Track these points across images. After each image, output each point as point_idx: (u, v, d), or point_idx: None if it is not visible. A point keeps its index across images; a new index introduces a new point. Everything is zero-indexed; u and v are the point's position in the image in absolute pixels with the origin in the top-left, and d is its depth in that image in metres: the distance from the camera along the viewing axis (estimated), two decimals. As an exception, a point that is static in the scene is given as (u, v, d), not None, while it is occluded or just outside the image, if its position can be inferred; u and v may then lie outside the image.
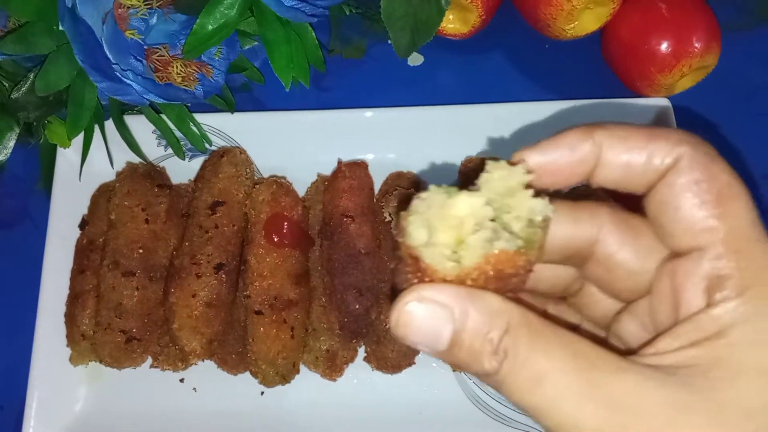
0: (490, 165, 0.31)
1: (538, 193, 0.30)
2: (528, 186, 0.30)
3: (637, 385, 0.28)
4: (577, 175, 0.32)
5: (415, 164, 0.73)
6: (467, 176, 0.68)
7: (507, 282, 0.29)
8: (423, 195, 0.30)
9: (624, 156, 0.31)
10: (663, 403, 0.27)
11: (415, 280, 0.29)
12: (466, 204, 0.29)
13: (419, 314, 0.29)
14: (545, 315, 0.31)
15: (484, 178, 0.30)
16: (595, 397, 0.27)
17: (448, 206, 0.29)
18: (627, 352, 0.30)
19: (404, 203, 0.31)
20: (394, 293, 0.30)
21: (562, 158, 0.32)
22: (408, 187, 0.69)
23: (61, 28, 0.59)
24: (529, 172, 0.31)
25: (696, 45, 0.68)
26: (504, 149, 0.71)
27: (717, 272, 0.29)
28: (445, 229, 0.29)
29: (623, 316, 0.36)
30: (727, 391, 0.27)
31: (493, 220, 0.29)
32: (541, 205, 0.30)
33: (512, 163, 0.31)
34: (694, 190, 0.30)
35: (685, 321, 0.29)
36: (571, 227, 0.34)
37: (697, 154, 0.30)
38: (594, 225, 0.34)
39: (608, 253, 0.34)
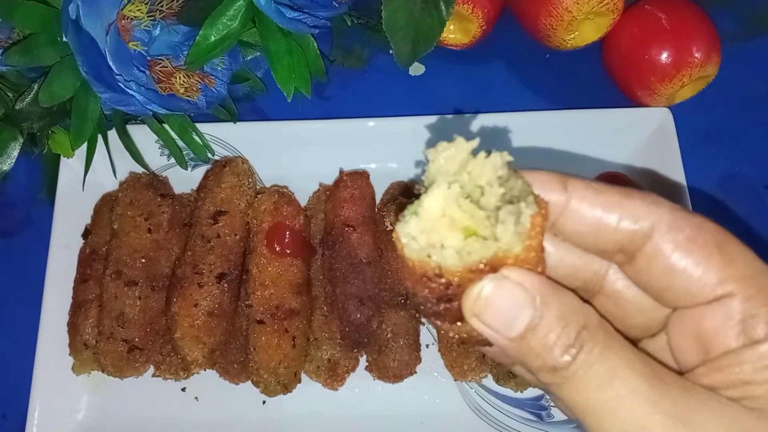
0: (431, 153, 0.29)
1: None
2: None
3: (705, 404, 0.28)
4: None
5: (417, 173, 0.73)
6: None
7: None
8: (401, 238, 0.28)
9: (596, 210, 0.31)
10: (731, 427, 0.27)
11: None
12: (433, 205, 0.28)
13: (500, 294, 0.28)
14: None
15: (432, 168, 0.29)
16: (664, 408, 0.27)
17: (424, 221, 0.28)
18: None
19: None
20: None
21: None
22: (409, 197, 0.70)
23: (64, 39, 0.60)
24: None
25: (696, 55, 0.69)
26: (505, 159, 0.72)
27: (749, 313, 0.29)
28: (447, 236, 0.28)
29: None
30: None
31: (470, 199, 0.28)
32: (497, 159, 0.29)
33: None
34: (692, 247, 0.29)
35: (727, 356, 0.29)
36: (579, 259, 0.33)
37: (676, 212, 0.30)
38: (603, 261, 0.33)
39: (618, 288, 0.34)
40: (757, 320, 0.29)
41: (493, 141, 0.72)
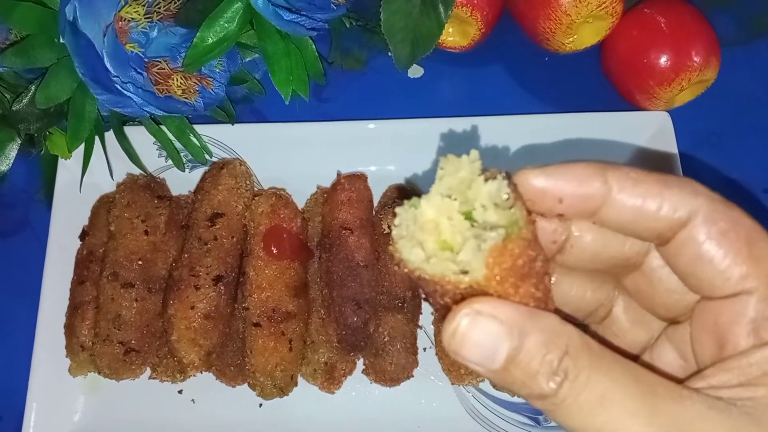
0: (442, 161, 0.30)
1: (495, 175, 0.30)
2: (485, 171, 0.30)
3: (701, 413, 0.28)
4: (579, 209, 0.32)
5: (415, 176, 0.73)
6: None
7: (534, 276, 0.29)
8: (396, 220, 0.30)
9: (636, 200, 0.31)
10: None
11: (449, 299, 0.29)
12: (429, 206, 0.29)
13: (476, 330, 0.28)
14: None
15: (438, 174, 0.30)
16: (659, 423, 0.27)
17: (419, 216, 0.29)
18: (678, 381, 0.30)
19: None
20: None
21: (567, 188, 0.31)
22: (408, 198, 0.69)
23: (62, 41, 0.60)
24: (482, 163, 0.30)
25: (695, 59, 0.68)
26: (504, 162, 0.72)
27: (763, 313, 0.29)
28: (426, 239, 0.28)
29: (661, 342, 0.35)
30: None
31: (469, 219, 0.29)
32: (495, 186, 0.29)
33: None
34: (724, 241, 0.30)
35: (736, 357, 0.30)
36: (622, 244, 0.34)
37: (714, 203, 0.30)
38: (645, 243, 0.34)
39: (654, 266, 0.34)
40: None
41: (491, 144, 0.72)
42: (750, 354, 0.29)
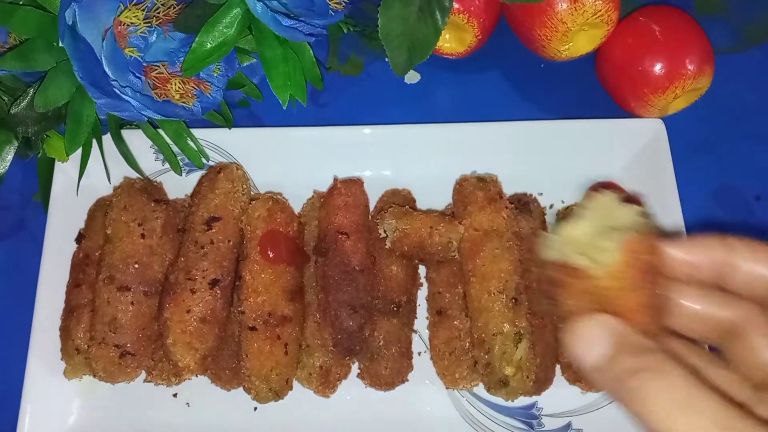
0: (587, 196, 0.36)
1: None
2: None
3: None
4: (705, 273, 0.37)
5: (411, 181, 0.74)
6: (463, 196, 0.68)
7: (652, 282, 0.35)
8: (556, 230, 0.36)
9: (760, 267, 0.35)
10: None
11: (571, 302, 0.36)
12: (573, 231, 0.36)
13: (587, 331, 0.34)
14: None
15: (581, 213, 0.36)
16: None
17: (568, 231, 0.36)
18: None
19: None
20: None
21: (696, 257, 0.37)
22: (403, 205, 0.70)
23: (61, 45, 0.60)
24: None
25: (689, 67, 0.69)
26: (499, 167, 0.72)
27: None
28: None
29: None
30: None
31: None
32: (632, 212, 0.36)
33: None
34: None
35: None
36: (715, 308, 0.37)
37: None
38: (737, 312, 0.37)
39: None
40: None
41: (486, 150, 0.73)
42: None
